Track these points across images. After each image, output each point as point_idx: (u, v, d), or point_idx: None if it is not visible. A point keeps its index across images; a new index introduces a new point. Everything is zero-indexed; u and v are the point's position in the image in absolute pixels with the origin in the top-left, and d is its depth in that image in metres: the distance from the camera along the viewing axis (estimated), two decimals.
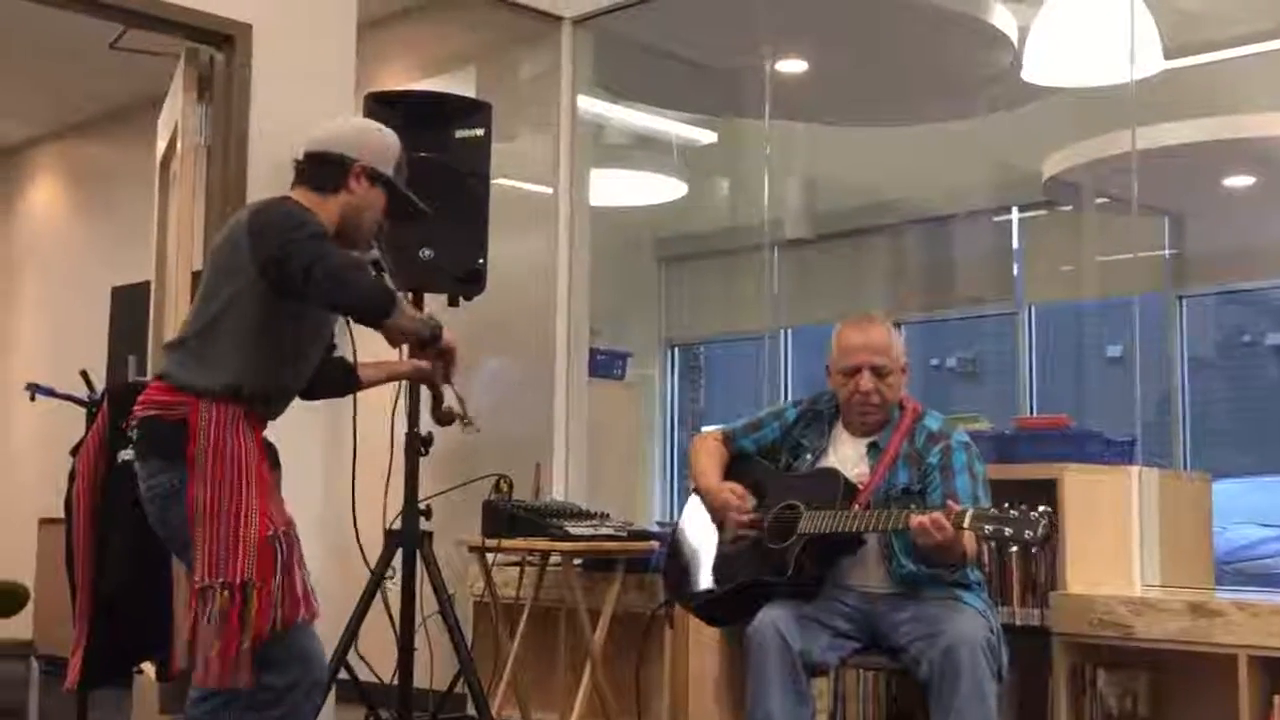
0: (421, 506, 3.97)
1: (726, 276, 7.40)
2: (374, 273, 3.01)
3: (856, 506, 3.15)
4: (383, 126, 3.11)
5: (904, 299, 7.68)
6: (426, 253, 3.88)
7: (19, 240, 8.13)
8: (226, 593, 2.67)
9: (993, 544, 3.26)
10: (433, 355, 3.03)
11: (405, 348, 3.05)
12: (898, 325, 3.45)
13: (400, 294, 2.91)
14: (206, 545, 2.70)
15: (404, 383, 3.78)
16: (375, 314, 2.79)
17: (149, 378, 3.18)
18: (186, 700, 2.83)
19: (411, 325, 2.88)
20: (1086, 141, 5.86)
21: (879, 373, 3.25)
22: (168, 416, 2.77)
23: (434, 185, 3.35)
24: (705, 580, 3.39)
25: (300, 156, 2.99)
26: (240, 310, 2.81)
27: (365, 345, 3.15)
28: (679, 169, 7.03)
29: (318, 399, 3.20)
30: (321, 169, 2.96)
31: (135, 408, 2.84)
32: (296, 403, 3.05)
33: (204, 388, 2.77)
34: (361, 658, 3.98)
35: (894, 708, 3.40)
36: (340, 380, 3.18)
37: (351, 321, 3.01)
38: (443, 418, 3.23)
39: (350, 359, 3.18)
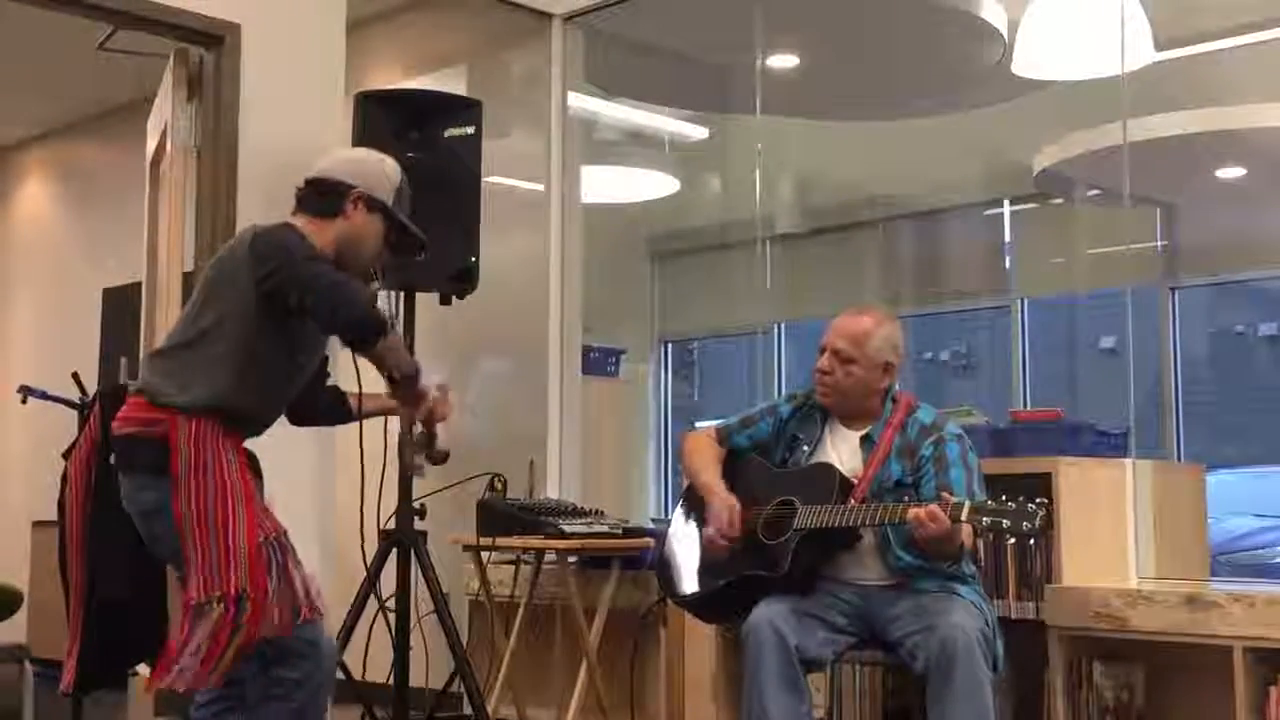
0: (416, 506, 3.97)
1: (719, 272, 7.39)
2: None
3: (852, 501, 3.15)
4: (385, 157, 3.11)
5: (897, 293, 7.68)
6: None
7: (9, 242, 8.10)
8: (221, 605, 2.67)
9: (990, 536, 3.27)
10: (400, 397, 2.95)
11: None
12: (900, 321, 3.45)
13: (394, 329, 2.87)
14: (199, 561, 2.70)
15: None
16: (365, 335, 2.78)
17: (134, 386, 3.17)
18: (191, 703, 2.84)
19: (396, 355, 2.85)
20: (1078, 134, 5.87)
21: (841, 357, 3.27)
22: (146, 434, 2.77)
23: (425, 184, 3.34)
24: (700, 577, 3.39)
25: (301, 184, 3.00)
26: (228, 330, 2.81)
27: (368, 380, 3.13)
28: (671, 165, 7.03)
29: (308, 426, 3.22)
30: (320, 195, 2.97)
31: (114, 424, 2.85)
32: None
33: (183, 404, 2.76)
34: (353, 661, 3.98)
35: (890, 702, 3.40)
36: (329, 410, 3.19)
37: (355, 355, 2.98)
38: (434, 457, 3.12)
39: (343, 390, 3.18)
